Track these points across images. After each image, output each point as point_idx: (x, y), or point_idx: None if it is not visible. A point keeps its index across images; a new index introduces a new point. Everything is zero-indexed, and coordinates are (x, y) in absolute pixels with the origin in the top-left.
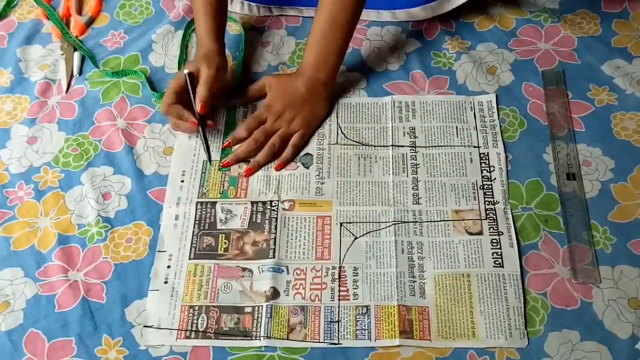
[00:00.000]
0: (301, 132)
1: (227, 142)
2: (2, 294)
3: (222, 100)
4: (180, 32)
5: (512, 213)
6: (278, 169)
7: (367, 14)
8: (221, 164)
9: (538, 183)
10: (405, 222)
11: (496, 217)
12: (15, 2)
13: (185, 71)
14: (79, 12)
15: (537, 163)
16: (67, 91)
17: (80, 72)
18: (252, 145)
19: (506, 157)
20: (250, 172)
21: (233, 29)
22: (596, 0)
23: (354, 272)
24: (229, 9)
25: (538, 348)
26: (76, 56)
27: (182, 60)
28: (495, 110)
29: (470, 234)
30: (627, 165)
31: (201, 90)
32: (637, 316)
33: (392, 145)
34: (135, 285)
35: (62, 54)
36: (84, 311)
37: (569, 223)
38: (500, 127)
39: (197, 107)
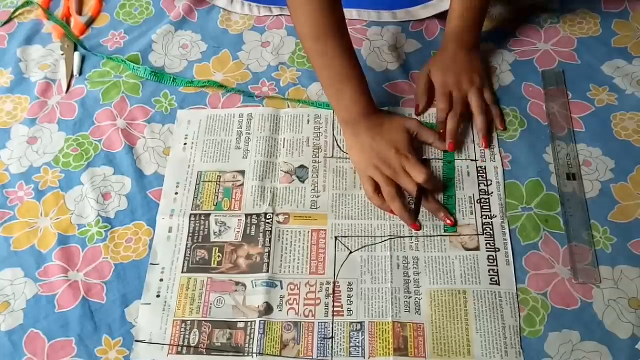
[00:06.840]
0: (484, 84)
1: (450, 144)
2: (2, 294)
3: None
4: (181, 32)
5: (509, 228)
6: (503, 126)
7: (367, 14)
8: (448, 149)
9: (538, 183)
10: (400, 236)
11: (493, 232)
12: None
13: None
14: (79, 12)
15: (537, 163)
16: (67, 91)
17: (80, 72)
18: (458, 120)
19: (503, 171)
20: (452, 147)
21: (233, 29)
22: (596, 0)
23: (348, 287)
24: (229, 9)
25: (538, 348)
26: (76, 56)
27: None
28: (493, 124)
29: (467, 249)
30: (627, 165)
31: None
32: (637, 316)
33: None
34: (135, 285)
35: (62, 54)
36: (84, 311)
37: (569, 223)
38: (498, 138)
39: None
